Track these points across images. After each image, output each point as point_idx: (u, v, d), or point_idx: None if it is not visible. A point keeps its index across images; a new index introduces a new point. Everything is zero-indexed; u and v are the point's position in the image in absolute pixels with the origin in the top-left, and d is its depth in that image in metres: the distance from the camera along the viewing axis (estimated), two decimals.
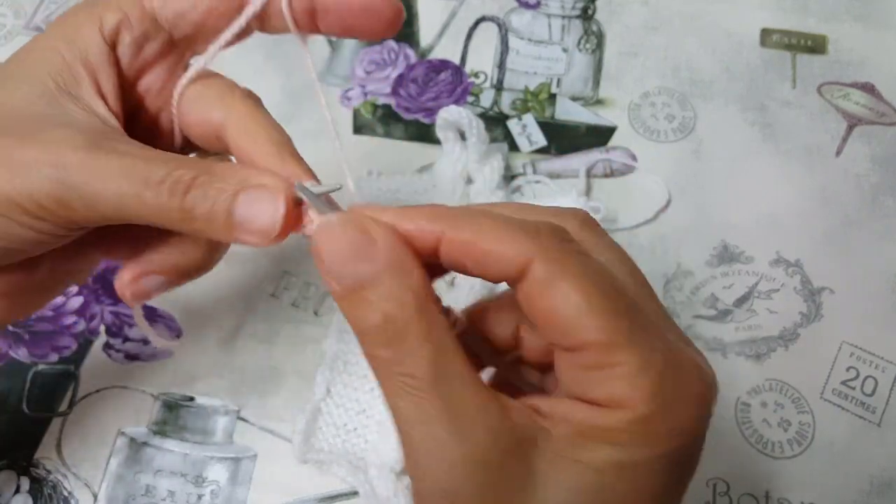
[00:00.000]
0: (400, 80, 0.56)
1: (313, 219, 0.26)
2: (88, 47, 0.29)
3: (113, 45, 0.29)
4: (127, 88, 0.30)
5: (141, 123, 0.31)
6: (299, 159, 0.29)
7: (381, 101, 0.55)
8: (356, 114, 0.54)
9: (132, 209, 0.26)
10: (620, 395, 0.22)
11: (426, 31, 0.58)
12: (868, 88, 0.55)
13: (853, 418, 0.45)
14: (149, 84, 0.31)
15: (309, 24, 0.29)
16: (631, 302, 0.23)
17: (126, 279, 0.30)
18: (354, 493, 0.42)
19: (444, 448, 0.22)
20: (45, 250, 0.29)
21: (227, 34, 0.29)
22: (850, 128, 0.54)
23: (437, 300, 0.24)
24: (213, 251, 0.31)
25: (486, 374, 0.29)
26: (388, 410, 0.24)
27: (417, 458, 0.23)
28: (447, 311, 0.25)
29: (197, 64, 0.30)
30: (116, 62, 0.30)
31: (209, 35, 0.30)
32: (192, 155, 0.33)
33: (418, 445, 0.23)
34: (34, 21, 0.60)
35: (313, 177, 0.28)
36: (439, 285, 0.42)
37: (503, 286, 0.25)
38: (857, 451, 0.44)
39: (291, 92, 0.55)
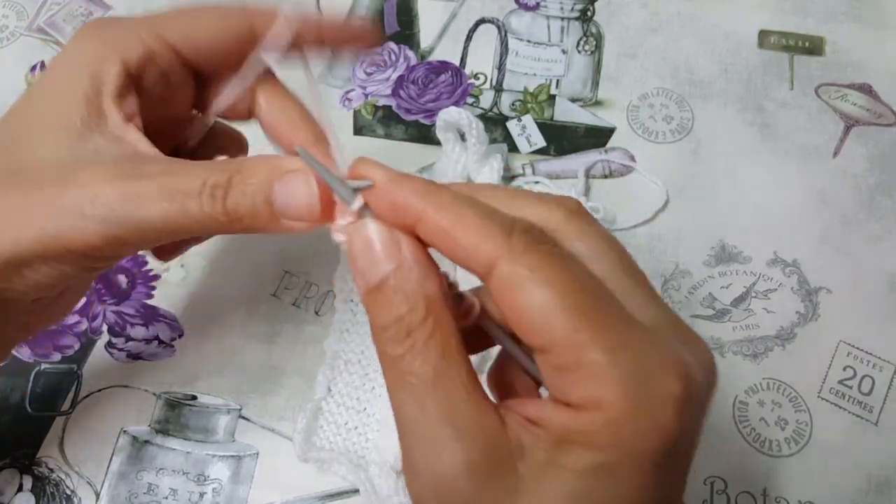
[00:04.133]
0: (400, 82, 0.56)
1: (343, 212, 0.26)
2: (112, 82, 0.30)
3: (136, 78, 0.30)
4: (151, 110, 0.32)
5: (157, 130, 0.32)
6: (324, 139, 0.31)
7: (382, 102, 0.55)
8: (357, 115, 0.55)
9: (179, 225, 0.27)
10: (592, 396, 0.22)
11: (426, 32, 0.58)
12: (865, 89, 0.56)
13: (850, 417, 0.45)
14: (174, 103, 0.33)
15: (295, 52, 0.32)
16: (602, 300, 0.23)
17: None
18: (355, 492, 0.42)
19: (439, 450, 0.23)
20: (98, 274, 0.31)
21: (242, 81, 0.32)
22: (848, 128, 0.54)
23: (450, 303, 0.24)
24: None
25: (479, 361, 0.28)
26: (391, 408, 0.24)
27: (413, 458, 0.24)
28: (463, 298, 0.26)
29: (216, 105, 0.33)
30: (141, 92, 0.31)
31: (225, 70, 0.32)
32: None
33: (415, 445, 0.24)
34: (36, 22, 0.60)
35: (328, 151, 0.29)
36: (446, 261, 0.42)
37: None
38: (854, 450, 0.44)
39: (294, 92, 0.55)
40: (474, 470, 0.23)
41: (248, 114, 0.34)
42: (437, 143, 0.50)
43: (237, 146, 0.39)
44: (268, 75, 0.33)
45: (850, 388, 0.45)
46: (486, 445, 0.23)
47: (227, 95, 0.32)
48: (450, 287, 0.26)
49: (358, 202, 0.25)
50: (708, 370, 0.24)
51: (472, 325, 0.26)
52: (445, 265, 0.25)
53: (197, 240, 0.37)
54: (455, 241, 0.24)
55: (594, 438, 0.22)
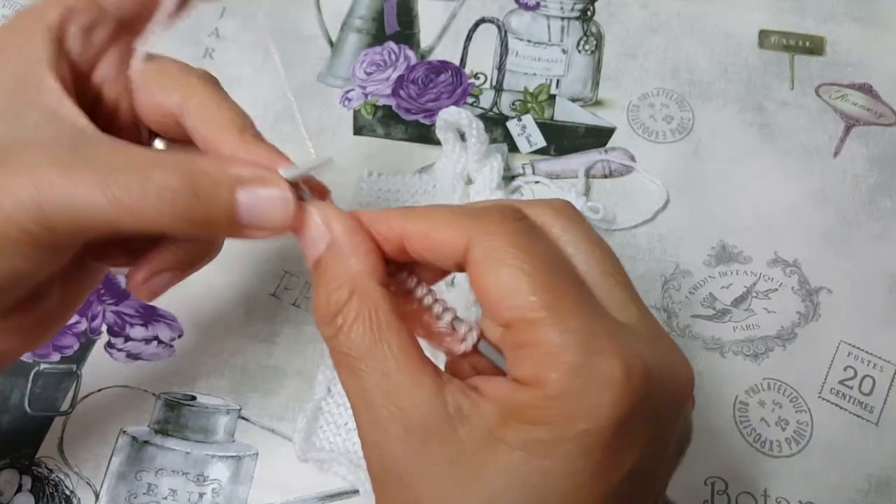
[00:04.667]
0: (400, 82, 0.56)
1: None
2: (38, 49, 0.28)
3: (60, 40, 0.28)
4: (82, 81, 0.29)
5: (102, 116, 0.30)
6: (263, 141, 0.29)
7: (382, 102, 0.55)
8: (356, 115, 0.55)
9: (121, 223, 0.25)
10: (538, 372, 0.23)
11: (426, 32, 0.58)
12: (866, 89, 0.56)
13: (851, 417, 0.45)
14: (104, 73, 0.30)
15: None
16: (566, 282, 0.24)
17: (138, 281, 0.30)
18: (355, 492, 0.42)
19: (379, 422, 0.24)
20: (37, 279, 0.28)
21: (164, 9, 0.28)
22: (848, 128, 0.54)
23: (380, 277, 0.25)
24: (212, 241, 0.31)
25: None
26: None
27: (359, 432, 0.25)
28: (459, 323, 0.26)
29: (140, 43, 0.29)
30: (67, 56, 0.29)
31: (155, 12, 0.29)
32: (157, 144, 0.32)
33: (358, 419, 0.25)
34: None
35: (283, 157, 0.28)
36: (440, 286, 0.42)
37: None
38: (854, 451, 0.44)
39: (294, 91, 0.55)
40: (409, 436, 0.23)
41: (176, 125, 0.30)
42: (437, 143, 0.50)
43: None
44: (198, 73, 0.30)
45: (851, 388, 0.45)
46: (419, 412, 0.23)
47: (151, 29, 0.29)
48: (445, 311, 0.27)
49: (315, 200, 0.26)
50: (678, 378, 0.25)
51: (471, 352, 0.27)
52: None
53: (183, 274, 0.32)
54: (433, 240, 0.25)
55: (534, 413, 0.23)
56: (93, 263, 0.31)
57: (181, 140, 0.31)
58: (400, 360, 0.24)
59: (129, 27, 0.30)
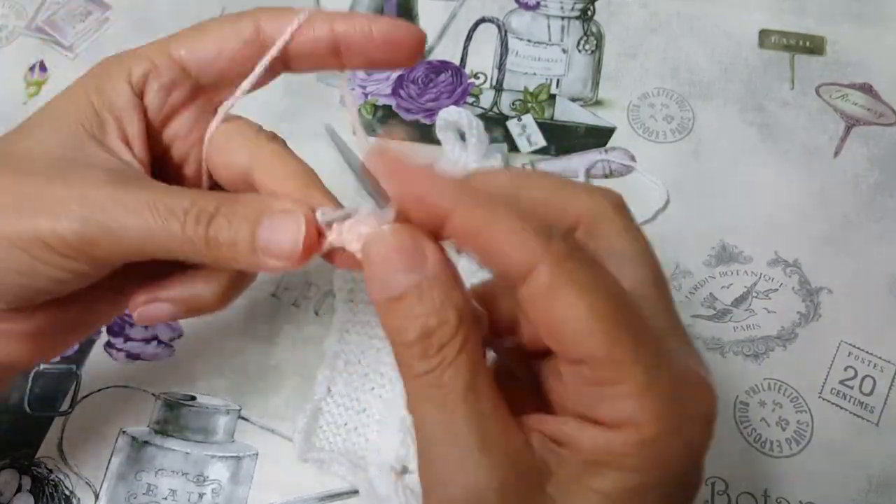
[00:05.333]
0: (400, 81, 0.56)
1: (361, 218, 0.26)
2: (116, 96, 0.30)
3: (141, 94, 0.30)
4: (154, 135, 0.31)
5: (168, 169, 0.32)
6: (324, 191, 0.30)
7: (382, 101, 0.55)
8: (357, 115, 0.55)
9: (157, 242, 0.27)
10: (626, 415, 0.21)
11: (426, 32, 0.58)
12: (866, 89, 0.56)
13: (851, 417, 0.45)
14: (176, 130, 0.32)
15: (333, 61, 0.30)
16: (637, 315, 0.23)
17: (139, 301, 0.31)
18: (354, 492, 0.42)
19: (466, 468, 0.22)
20: (69, 290, 0.29)
21: (251, 78, 0.30)
22: (849, 128, 0.54)
23: (476, 317, 0.24)
24: (225, 293, 0.32)
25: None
26: (411, 421, 0.24)
27: (438, 471, 0.23)
28: (478, 317, 0.25)
29: (224, 107, 0.31)
30: (144, 111, 0.30)
31: (235, 80, 0.30)
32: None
33: (441, 459, 0.23)
34: (36, 22, 0.60)
35: (336, 203, 0.29)
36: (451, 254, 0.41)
37: None
38: (855, 451, 0.44)
39: (294, 91, 0.55)
40: (506, 488, 0.22)
41: (245, 183, 0.31)
42: (438, 142, 0.49)
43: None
44: (268, 135, 0.31)
45: (851, 388, 0.45)
46: (513, 463, 0.22)
47: (236, 95, 0.31)
48: None
49: (389, 212, 0.24)
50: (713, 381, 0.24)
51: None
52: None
53: (181, 314, 0.33)
54: (489, 244, 0.22)
55: (627, 461, 0.22)
56: (119, 296, 0.33)
57: None
58: (495, 403, 0.23)
59: (207, 90, 0.31)
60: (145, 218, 0.26)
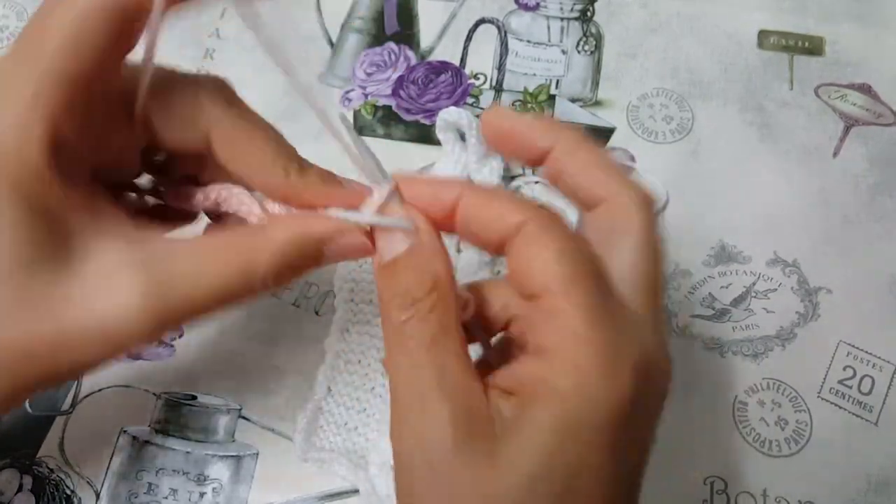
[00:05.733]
0: (400, 82, 0.56)
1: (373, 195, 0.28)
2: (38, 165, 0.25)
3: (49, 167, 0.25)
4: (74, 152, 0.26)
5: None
6: (309, 172, 0.29)
7: (382, 102, 0.55)
8: (356, 115, 0.55)
9: (238, 299, 0.27)
10: (568, 343, 0.24)
11: (426, 32, 0.59)
12: (865, 89, 0.56)
13: (850, 417, 0.45)
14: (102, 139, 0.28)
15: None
16: (602, 277, 0.26)
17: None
18: (355, 492, 0.42)
19: (427, 410, 0.25)
20: None
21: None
22: (848, 128, 0.54)
23: (454, 286, 0.27)
24: None
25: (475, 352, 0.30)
26: (387, 372, 0.27)
27: (401, 417, 0.26)
28: (466, 302, 0.28)
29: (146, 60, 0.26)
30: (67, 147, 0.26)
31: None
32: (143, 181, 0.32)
33: (405, 405, 0.26)
34: None
35: (336, 181, 0.29)
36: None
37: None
38: (854, 450, 0.44)
39: (292, 91, 0.55)
40: (457, 430, 0.24)
41: (204, 145, 0.28)
42: (437, 143, 0.50)
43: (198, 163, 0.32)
44: (221, 93, 0.28)
45: (850, 387, 0.45)
46: (469, 409, 0.25)
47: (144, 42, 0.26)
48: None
49: (389, 191, 0.28)
50: (663, 376, 0.27)
51: (465, 320, 0.28)
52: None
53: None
54: (491, 208, 0.27)
55: (559, 384, 0.24)
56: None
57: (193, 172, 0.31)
58: (459, 359, 0.26)
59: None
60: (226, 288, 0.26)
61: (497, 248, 0.27)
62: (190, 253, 0.26)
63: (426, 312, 0.26)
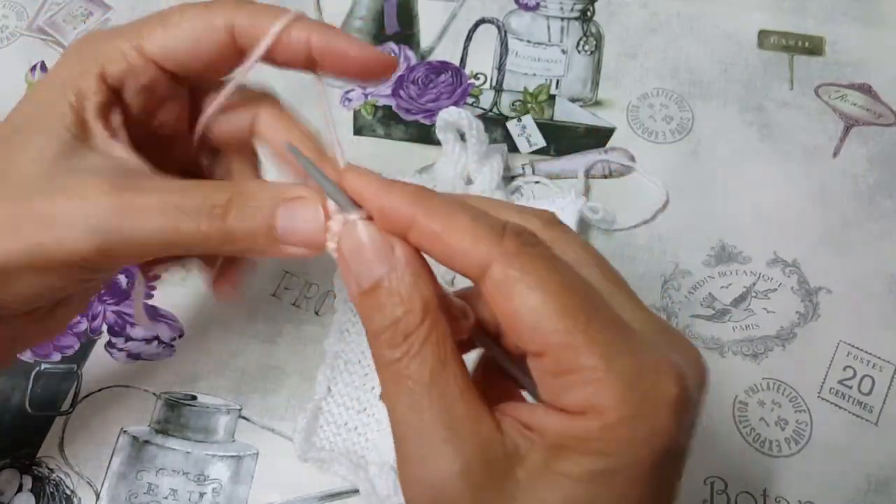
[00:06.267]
0: (400, 82, 0.56)
1: (334, 217, 0.26)
2: (94, 95, 0.29)
3: (119, 89, 0.30)
4: (137, 124, 0.31)
5: (155, 144, 0.32)
6: (328, 162, 0.30)
7: (382, 102, 0.55)
8: (356, 115, 0.55)
9: (174, 242, 0.27)
10: (588, 401, 0.22)
11: (426, 32, 0.58)
12: (865, 89, 0.56)
13: (850, 417, 0.45)
14: (161, 118, 0.32)
15: (304, 66, 0.30)
16: (594, 302, 0.23)
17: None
18: (355, 492, 0.42)
19: (434, 454, 0.23)
20: (67, 293, 0.30)
21: (236, 81, 0.31)
22: (848, 128, 0.54)
23: (444, 306, 0.24)
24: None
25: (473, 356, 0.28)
26: (387, 411, 0.24)
27: (407, 462, 0.24)
28: (463, 311, 0.26)
29: (213, 107, 0.32)
30: (124, 105, 0.30)
31: (212, 74, 0.31)
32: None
33: (410, 449, 0.23)
34: (36, 22, 0.60)
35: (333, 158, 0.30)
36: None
37: None
38: (854, 450, 0.44)
39: (292, 91, 0.55)
40: (470, 474, 0.22)
41: (249, 140, 0.33)
42: (437, 143, 0.50)
43: (249, 170, 0.36)
44: (269, 98, 0.33)
45: (850, 388, 0.45)
46: (481, 450, 0.23)
47: (208, 112, 0.32)
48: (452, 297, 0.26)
49: (357, 211, 0.25)
50: (699, 370, 0.24)
51: (466, 334, 0.26)
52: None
53: (178, 261, 0.36)
54: (447, 245, 0.23)
55: (591, 445, 0.22)
56: (144, 269, 0.34)
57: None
58: (464, 391, 0.23)
59: (186, 81, 0.32)
60: (159, 221, 0.26)
61: (463, 275, 0.24)
62: (154, 190, 0.27)
63: (421, 346, 0.23)
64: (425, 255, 0.25)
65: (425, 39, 0.58)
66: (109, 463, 0.43)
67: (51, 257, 0.27)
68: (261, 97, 0.33)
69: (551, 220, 0.26)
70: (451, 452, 0.22)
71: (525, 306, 0.22)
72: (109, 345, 0.47)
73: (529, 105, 0.55)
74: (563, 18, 0.59)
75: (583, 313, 0.22)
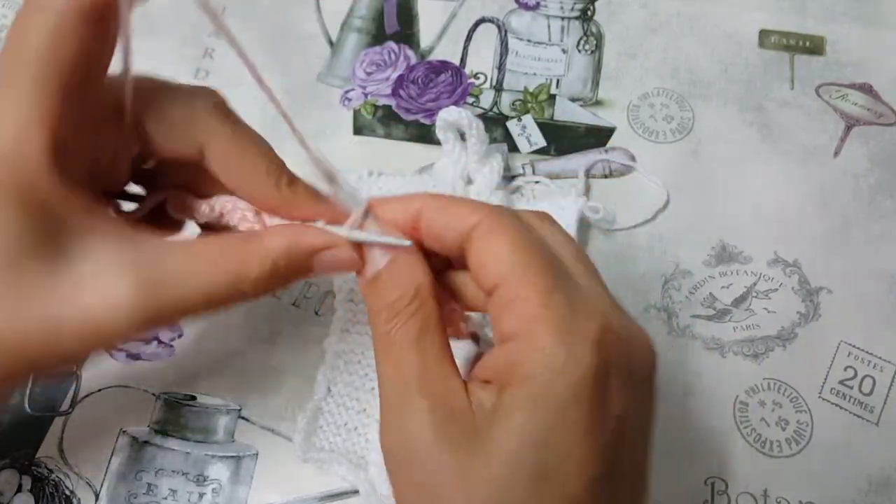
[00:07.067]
0: (400, 81, 0.56)
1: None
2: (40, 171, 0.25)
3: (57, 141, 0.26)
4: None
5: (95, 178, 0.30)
6: (298, 184, 0.31)
7: (382, 101, 0.55)
8: (356, 114, 0.55)
9: (227, 302, 0.28)
10: (520, 326, 0.26)
11: (426, 32, 0.58)
12: (866, 89, 0.56)
13: (851, 417, 0.45)
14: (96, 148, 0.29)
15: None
16: (549, 258, 0.27)
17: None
18: (355, 492, 0.42)
19: (409, 407, 0.27)
20: None
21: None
22: (849, 128, 0.54)
23: (435, 291, 0.29)
24: None
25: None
26: (377, 376, 0.29)
27: (386, 415, 0.28)
28: (465, 318, 0.31)
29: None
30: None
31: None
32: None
33: (389, 403, 0.28)
34: None
35: (322, 199, 0.30)
36: None
37: None
38: (855, 450, 0.44)
39: (292, 91, 0.55)
40: (437, 423, 0.26)
41: (197, 154, 0.30)
42: (437, 142, 0.49)
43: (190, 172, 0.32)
44: (216, 104, 0.30)
45: (851, 388, 0.45)
46: (449, 404, 0.26)
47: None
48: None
49: (364, 209, 0.30)
50: (642, 343, 0.28)
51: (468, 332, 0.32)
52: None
53: None
54: (449, 214, 0.28)
55: (524, 368, 0.25)
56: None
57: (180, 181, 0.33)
58: (439, 356, 0.28)
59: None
60: (216, 285, 0.27)
61: (458, 251, 0.29)
62: (183, 254, 0.27)
63: (407, 319, 0.28)
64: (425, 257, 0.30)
65: (425, 39, 0.58)
66: (109, 463, 0.43)
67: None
68: (206, 117, 0.29)
69: (542, 215, 0.30)
70: (423, 405, 0.26)
71: (495, 248, 0.27)
72: None
73: (530, 105, 0.55)
74: (563, 18, 0.59)
75: (536, 260, 0.27)
